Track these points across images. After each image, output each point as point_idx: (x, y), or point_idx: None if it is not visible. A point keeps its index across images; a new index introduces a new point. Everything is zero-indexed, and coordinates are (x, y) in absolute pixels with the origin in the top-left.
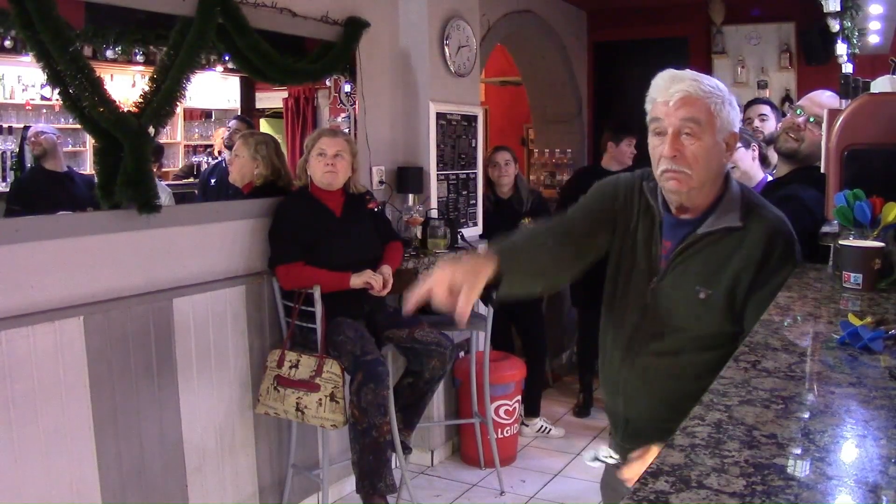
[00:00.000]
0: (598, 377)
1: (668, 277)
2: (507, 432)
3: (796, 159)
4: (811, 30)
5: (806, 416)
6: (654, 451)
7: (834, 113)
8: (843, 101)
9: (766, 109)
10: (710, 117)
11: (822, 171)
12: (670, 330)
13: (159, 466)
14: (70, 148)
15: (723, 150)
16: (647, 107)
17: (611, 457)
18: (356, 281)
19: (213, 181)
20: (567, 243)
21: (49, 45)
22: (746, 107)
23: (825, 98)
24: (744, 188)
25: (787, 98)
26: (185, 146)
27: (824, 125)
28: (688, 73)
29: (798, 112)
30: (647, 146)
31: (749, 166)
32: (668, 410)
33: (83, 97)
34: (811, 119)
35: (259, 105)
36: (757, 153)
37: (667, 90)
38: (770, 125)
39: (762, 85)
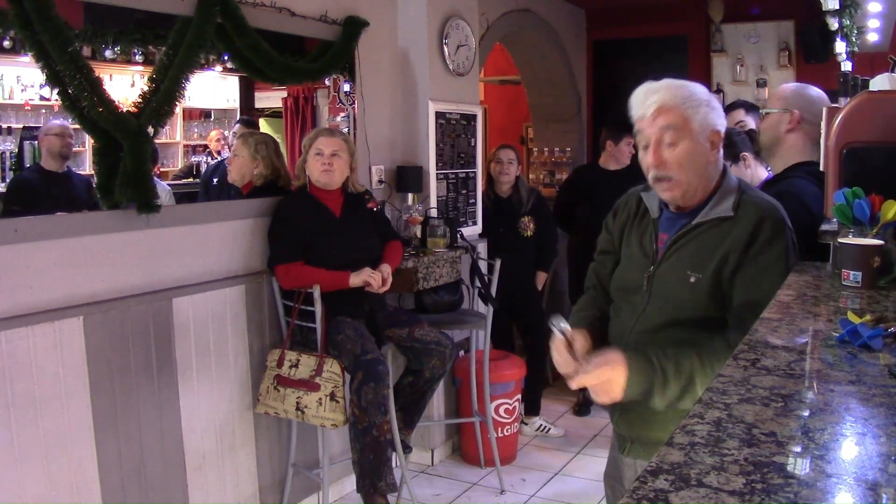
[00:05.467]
0: None
1: (664, 265)
2: (507, 431)
3: (766, 150)
4: (810, 28)
5: (805, 414)
6: (611, 375)
7: (833, 111)
8: (843, 99)
9: (741, 115)
10: (685, 122)
11: (822, 168)
12: (666, 315)
13: (159, 466)
14: None
15: (707, 149)
16: (633, 122)
17: (564, 329)
18: (355, 280)
19: (214, 181)
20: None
21: (48, 45)
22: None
23: (788, 90)
24: (742, 183)
25: None
26: (184, 146)
27: (823, 123)
28: (663, 82)
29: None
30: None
31: (749, 175)
32: None
33: (82, 97)
34: (763, 112)
35: (258, 105)
36: (749, 161)
37: (644, 103)
38: (749, 127)
39: (761, 83)
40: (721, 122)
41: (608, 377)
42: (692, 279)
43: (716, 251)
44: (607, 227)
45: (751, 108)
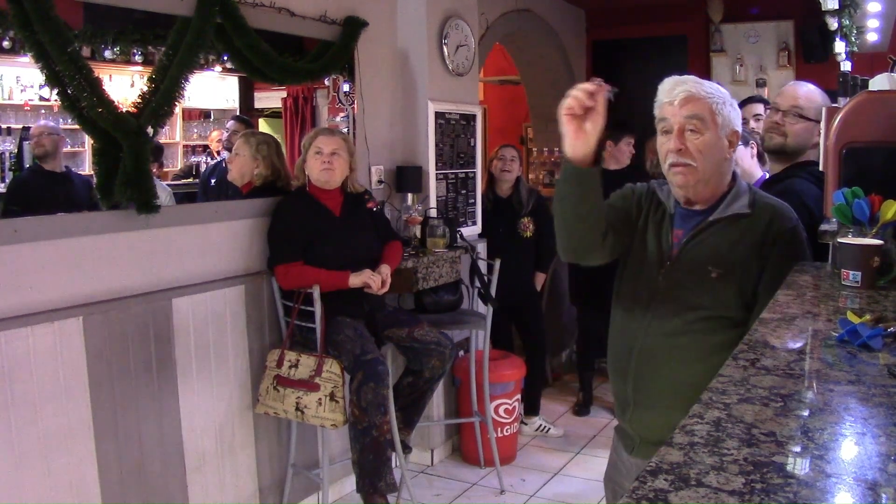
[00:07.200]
0: (600, 374)
1: (681, 261)
2: (506, 431)
3: (786, 155)
4: (810, 28)
5: (805, 413)
6: None
7: (832, 111)
8: (842, 99)
9: (760, 108)
10: (711, 115)
11: (821, 168)
12: (681, 311)
13: (159, 466)
14: (69, 148)
15: (725, 146)
16: (656, 111)
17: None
18: (355, 280)
19: (213, 181)
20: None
21: (47, 45)
22: (740, 106)
23: (801, 90)
24: (749, 185)
25: None
26: (183, 146)
27: (822, 123)
28: (690, 77)
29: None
30: (644, 145)
31: (749, 164)
32: (674, 395)
33: (82, 97)
34: (790, 113)
35: (258, 105)
36: (755, 150)
37: (671, 91)
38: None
39: (761, 83)
40: (739, 125)
41: None
42: (713, 274)
43: (736, 248)
44: (627, 193)
45: (768, 104)
